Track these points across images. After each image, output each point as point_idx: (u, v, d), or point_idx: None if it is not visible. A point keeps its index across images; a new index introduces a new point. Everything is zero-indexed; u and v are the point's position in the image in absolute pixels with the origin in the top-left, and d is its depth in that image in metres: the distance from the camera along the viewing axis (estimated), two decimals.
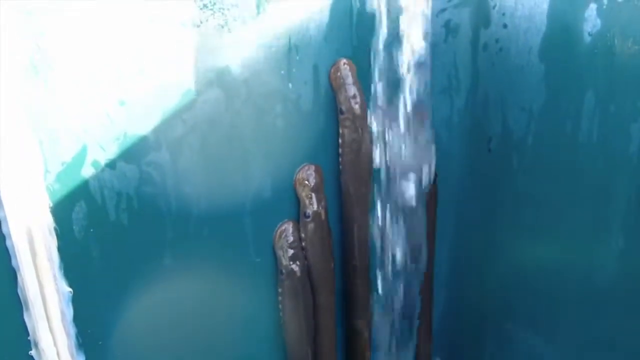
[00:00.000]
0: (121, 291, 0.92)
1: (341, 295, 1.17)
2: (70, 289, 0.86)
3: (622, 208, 0.95)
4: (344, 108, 1.02)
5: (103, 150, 0.84)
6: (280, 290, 1.06)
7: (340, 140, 1.05)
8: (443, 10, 1.06)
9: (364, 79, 1.03)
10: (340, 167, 1.06)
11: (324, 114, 1.02)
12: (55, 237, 0.83)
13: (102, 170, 0.85)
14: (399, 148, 1.06)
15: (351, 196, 1.09)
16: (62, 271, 0.85)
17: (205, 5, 0.87)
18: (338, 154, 1.05)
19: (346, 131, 1.03)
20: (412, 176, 1.08)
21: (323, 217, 1.06)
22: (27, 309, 0.83)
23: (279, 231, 1.04)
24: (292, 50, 0.96)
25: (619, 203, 0.95)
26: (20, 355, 0.86)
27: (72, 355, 0.89)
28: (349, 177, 1.07)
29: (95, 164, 0.84)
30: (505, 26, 1.03)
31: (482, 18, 1.05)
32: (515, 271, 1.14)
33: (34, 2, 0.75)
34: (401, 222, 1.11)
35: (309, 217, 1.04)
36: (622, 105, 0.91)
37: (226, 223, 0.99)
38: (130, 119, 0.85)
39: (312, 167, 1.04)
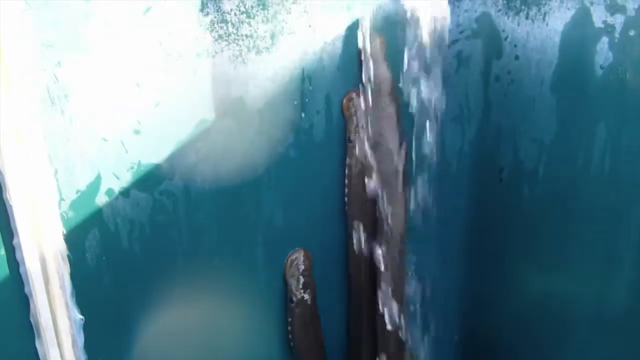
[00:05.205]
0: (132, 319, 0.92)
1: None
2: (81, 316, 0.87)
3: (633, 239, 0.95)
4: (352, 137, 1.03)
5: (117, 178, 0.85)
6: (290, 319, 1.06)
7: (346, 171, 1.05)
8: (455, 41, 1.07)
9: None
10: (346, 199, 1.06)
11: (336, 143, 1.03)
12: (68, 264, 0.84)
13: (116, 198, 0.86)
14: None
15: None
16: (74, 298, 0.85)
17: (220, 36, 0.88)
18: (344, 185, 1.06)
19: (353, 161, 1.04)
20: None
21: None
22: (39, 335, 0.84)
23: (289, 260, 1.04)
24: (305, 81, 0.97)
25: (630, 234, 0.95)
26: None
27: None
28: (354, 209, 1.07)
29: (109, 192, 0.85)
30: (517, 58, 1.03)
31: (494, 49, 1.06)
32: (526, 301, 1.14)
33: (52, 35, 0.76)
34: None
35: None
36: (634, 138, 0.91)
37: (237, 252, 0.99)
38: (144, 148, 0.86)
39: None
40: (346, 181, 1.05)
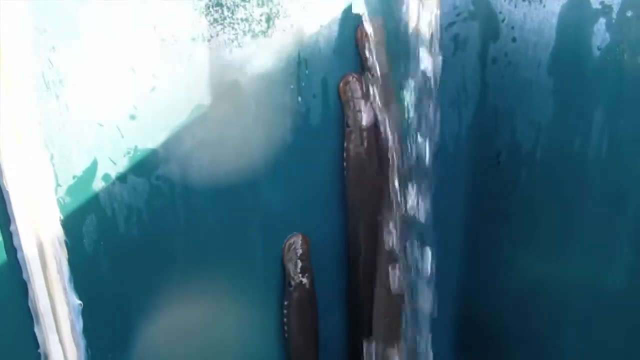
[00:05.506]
0: (131, 303, 0.93)
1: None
2: (80, 302, 0.87)
3: (632, 223, 0.94)
4: (350, 121, 1.02)
5: (113, 163, 0.85)
6: (286, 303, 1.07)
7: (344, 154, 1.05)
8: (451, 24, 1.06)
9: None
10: (346, 182, 1.06)
11: (333, 127, 1.03)
12: (65, 249, 0.84)
13: (113, 183, 0.85)
14: None
15: (357, 213, 1.08)
16: (72, 284, 0.85)
17: (215, 20, 0.87)
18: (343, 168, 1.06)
19: (351, 146, 1.04)
20: None
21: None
22: (38, 321, 0.84)
23: (287, 244, 1.04)
24: (302, 64, 0.96)
25: (628, 218, 0.95)
26: None
27: None
28: (354, 193, 1.07)
29: (105, 177, 0.85)
30: (514, 40, 1.03)
31: (491, 31, 1.05)
32: (524, 285, 1.14)
33: (46, 20, 0.75)
34: None
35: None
36: (632, 120, 0.91)
37: (235, 236, 0.99)
38: (140, 133, 0.86)
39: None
40: (344, 164, 1.05)
